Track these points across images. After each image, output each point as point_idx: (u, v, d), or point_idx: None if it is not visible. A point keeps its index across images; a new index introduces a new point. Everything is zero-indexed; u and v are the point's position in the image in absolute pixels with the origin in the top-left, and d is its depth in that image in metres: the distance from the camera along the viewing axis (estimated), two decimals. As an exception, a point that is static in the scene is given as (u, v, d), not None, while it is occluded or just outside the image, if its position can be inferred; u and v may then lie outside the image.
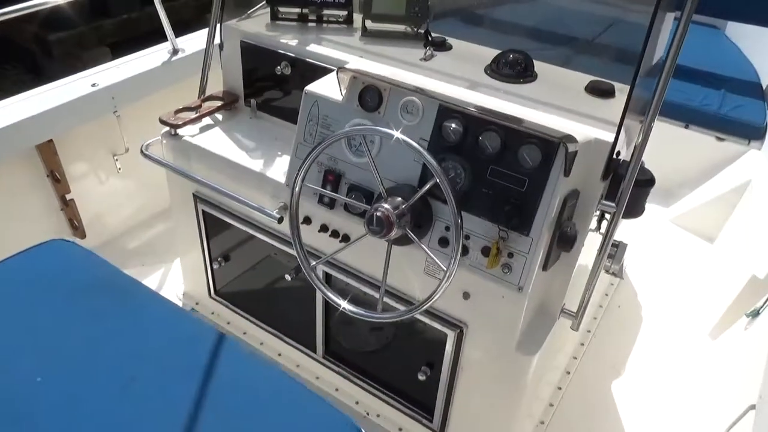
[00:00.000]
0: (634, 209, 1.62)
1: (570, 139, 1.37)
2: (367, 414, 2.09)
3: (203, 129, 2.10)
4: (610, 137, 1.52)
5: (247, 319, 2.30)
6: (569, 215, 1.50)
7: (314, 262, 1.58)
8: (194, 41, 2.80)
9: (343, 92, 1.64)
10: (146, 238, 2.79)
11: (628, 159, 1.51)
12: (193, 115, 2.09)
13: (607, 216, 1.60)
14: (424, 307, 1.42)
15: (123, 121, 2.56)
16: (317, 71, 1.92)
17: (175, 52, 2.70)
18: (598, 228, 1.70)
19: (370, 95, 1.59)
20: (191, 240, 2.24)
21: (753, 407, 1.48)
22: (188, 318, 1.62)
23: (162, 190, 2.25)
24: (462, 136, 1.47)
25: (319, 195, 1.71)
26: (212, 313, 2.42)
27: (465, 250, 1.51)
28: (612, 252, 1.64)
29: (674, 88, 2.24)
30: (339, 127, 1.66)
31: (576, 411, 2.16)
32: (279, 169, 1.89)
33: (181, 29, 2.86)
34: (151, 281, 2.58)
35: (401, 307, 1.67)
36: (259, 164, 1.92)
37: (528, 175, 1.41)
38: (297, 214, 1.56)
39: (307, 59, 1.95)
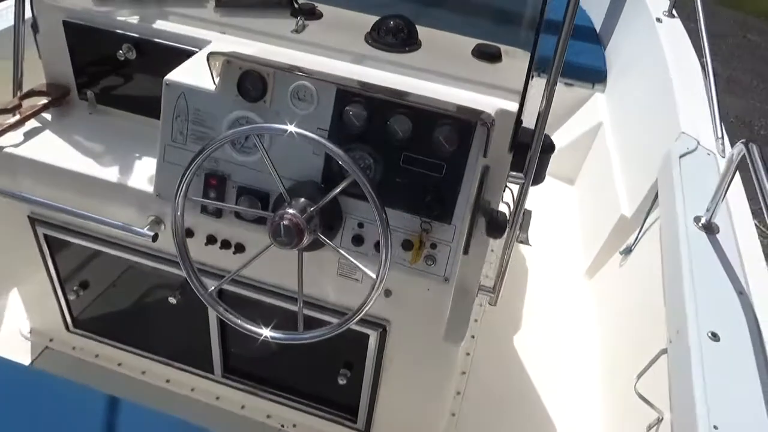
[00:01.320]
0: (538, 177, 1.59)
1: (487, 117, 1.28)
2: (282, 426, 1.92)
3: (29, 135, 1.69)
4: (513, 106, 1.46)
5: (120, 348, 1.98)
6: (484, 194, 1.43)
7: (212, 287, 1.35)
8: None
9: (217, 80, 1.38)
10: None
11: (526, 126, 1.47)
12: (11, 119, 1.67)
13: (510, 186, 1.57)
14: (357, 318, 1.28)
15: None
16: (170, 53, 1.61)
17: None
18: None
19: (251, 82, 1.35)
20: (31, 267, 1.84)
21: (665, 351, 1.57)
22: (28, 375, 1.31)
23: None
24: (366, 121, 1.31)
25: (203, 204, 1.45)
26: (74, 349, 2.05)
27: None
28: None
29: None
30: (216, 122, 1.40)
31: (487, 373, 2.19)
32: (141, 175, 1.58)
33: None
34: None
35: (322, 318, 1.51)
36: (113, 172, 1.59)
37: (445, 159, 1.30)
38: (183, 238, 1.30)
39: (156, 39, 1.63)
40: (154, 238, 1.50)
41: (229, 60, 1.33)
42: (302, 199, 1.30)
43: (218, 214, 1.46)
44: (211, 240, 1.54)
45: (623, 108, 2.96)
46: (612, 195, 2.59)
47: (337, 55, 1.59)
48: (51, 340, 2.05)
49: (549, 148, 1.59)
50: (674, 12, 3.02)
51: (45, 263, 1.81)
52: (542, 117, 1.41)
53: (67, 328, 1.97)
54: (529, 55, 1.84)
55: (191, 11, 1.75)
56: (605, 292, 2.45)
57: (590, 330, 2.38)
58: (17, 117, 1.67)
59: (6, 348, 2.01)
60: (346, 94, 1.31)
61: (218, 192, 1.43)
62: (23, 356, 2.05)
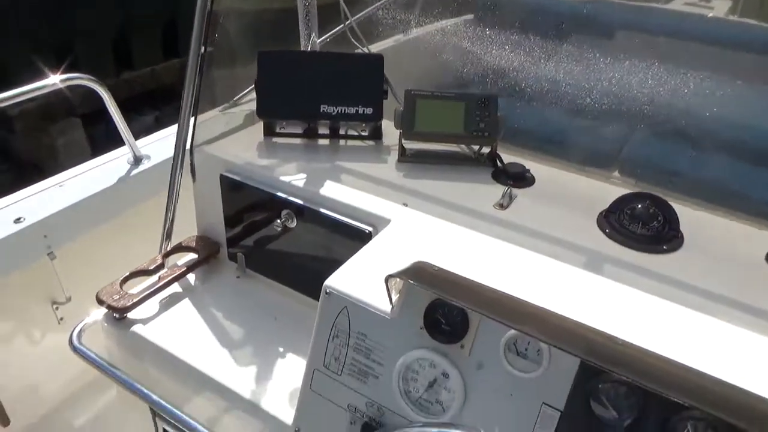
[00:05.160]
0: None
1: None
2: None
3: (165, 305, 1.41)
4: None
5: None
6: None
7: None
8: (163, 144, 2.12)
9: (394, 300, 0.96)
10: (99, 410, 2.05)
11: None
12: (150, 282, 1.41)
13: None
14: None
15: (61, 262, 1.86)
16: (337, 228, 1.26)
17: (136, 161, 2.01)
18: None
19: (445, 315, 0.91)
20: None
21: None
22: None
23: None
24: (633, 417, 0.79)
25: None
26: None
27: None
28: None
29: None
30: (386, 358, 0.97)
31: None
32: (282, 388, 1.20)
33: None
34: None
35: None
36: (248, 379, 1.22)
37: None
38: None
39: (322, 210, 1.28)
40: None
41: (414, 284, 0.91)
42: None
43: None
44: None
45: None
46: None
47: (563, 253, 1.11)
48: None
49: None
50: None
51: None
52: None
53: None
54: None
55: (368, 167, 1.40)
56: None
57: None
58: (157, 285, 1.40)
59: None
60: (597, 372, 0.81)
61: (378, 456, 0.98)
62: None
